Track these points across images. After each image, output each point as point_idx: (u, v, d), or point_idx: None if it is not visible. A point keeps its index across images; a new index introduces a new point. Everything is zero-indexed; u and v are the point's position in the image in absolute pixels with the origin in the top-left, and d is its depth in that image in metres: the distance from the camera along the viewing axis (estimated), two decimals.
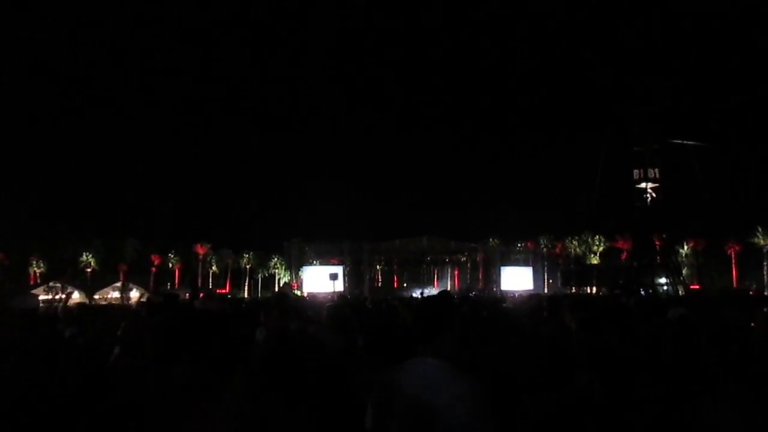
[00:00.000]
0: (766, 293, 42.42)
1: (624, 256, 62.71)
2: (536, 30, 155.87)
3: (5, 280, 59.88)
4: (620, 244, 67.15)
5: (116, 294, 50.95)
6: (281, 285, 68.48)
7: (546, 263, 67.64)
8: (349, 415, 2.40)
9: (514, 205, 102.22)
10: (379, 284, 61.11)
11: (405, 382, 2.23)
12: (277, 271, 76.26)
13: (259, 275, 79.32)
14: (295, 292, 45.67)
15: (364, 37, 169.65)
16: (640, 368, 3.11)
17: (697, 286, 47.19)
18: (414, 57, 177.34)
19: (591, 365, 2.84)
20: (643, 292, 31.02)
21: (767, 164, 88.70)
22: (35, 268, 66.98)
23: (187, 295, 16.90)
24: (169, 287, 64.66)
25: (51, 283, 50.92)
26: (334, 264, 53.91)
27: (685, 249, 68.31)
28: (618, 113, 43.51)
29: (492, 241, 67.94)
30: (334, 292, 32.55)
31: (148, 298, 9.37)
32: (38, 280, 62.54)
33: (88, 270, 68.27)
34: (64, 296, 17.12)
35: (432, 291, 39.96)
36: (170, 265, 74.96)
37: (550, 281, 65.14)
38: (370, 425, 2.34)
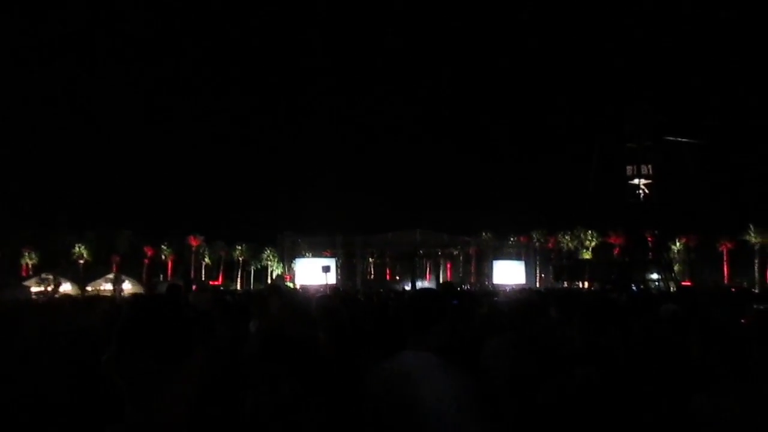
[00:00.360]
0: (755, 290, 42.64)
1: (616, 251, 62.96)
2: (530, 23, 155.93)
3: None
4: (613, 239, 67.46)
5: (109, 286, 50.61)
6: (274, 277, 68.44)
7: (538, 257, 67.83)
8: (354, 405, 2.39)
9: (508, 200, 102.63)
10: (372, 277, 61.00)
11: (395, 373, 2.22)
12: (269, 263, 76.25)
13: (252, 267, 79.26)
14: (288, 284, 45.63)
15: (359, 32, 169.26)
16: (634, 364, 3.12)
17: (689, 283, 47.36)
18: (407, 52, 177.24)
19: (589, 360, 2.84)
20: (634, 288, 31.13)
21: (760, 162, 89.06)
22: (27, 260, 66.56)
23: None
24: (161, 279, 64.44)
25: (43, 275, 50.53)
26: (326, 256, 53.86)
27: (677, 245, 68.63)
28: (612, 110, 43.50)
29: (485, 235, 67.98)
30: (326, 285, 32.50)
31: (137, 295, 9.28)
32: (30, 272, 62.15)
33: (81, 261, 67.88)
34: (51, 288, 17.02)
35: (424, 284, 39.96)
36: (163, 256, 74.80)
37: (543, 275, 65.39)
38: (362, 416, 2.33)
